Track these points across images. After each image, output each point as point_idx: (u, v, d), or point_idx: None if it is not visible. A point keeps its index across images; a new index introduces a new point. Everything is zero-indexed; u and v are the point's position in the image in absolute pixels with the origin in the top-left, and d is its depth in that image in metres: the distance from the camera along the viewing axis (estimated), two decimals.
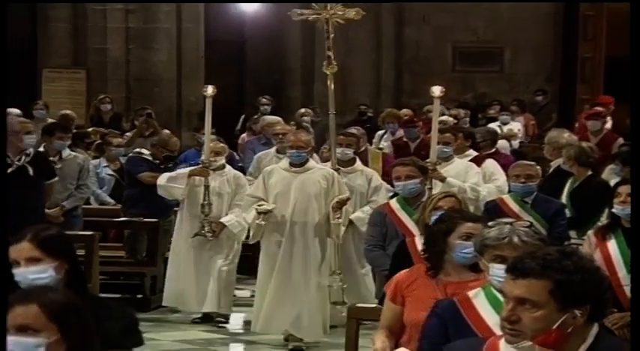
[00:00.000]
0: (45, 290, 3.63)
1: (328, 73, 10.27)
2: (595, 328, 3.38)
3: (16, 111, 15.20)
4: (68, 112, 15.38)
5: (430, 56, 23.19)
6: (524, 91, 21.99)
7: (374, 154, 11.90)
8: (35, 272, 4.44)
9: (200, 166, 10.30)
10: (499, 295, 4.43)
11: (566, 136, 11.87)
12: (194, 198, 10.31)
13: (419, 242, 6.82)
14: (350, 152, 10.38)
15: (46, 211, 10.43)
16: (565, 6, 22.28)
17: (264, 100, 17.66)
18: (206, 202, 10.12)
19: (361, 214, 9.88)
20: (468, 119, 17.86)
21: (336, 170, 9.90)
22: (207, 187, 10.14)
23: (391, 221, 8.12)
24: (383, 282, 7.29)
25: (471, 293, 4.59)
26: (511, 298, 3.31)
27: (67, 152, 11.41)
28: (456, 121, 16.66)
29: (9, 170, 9.83)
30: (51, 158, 10.99)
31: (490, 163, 11.04)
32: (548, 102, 21.35)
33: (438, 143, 9.92)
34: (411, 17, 23.20)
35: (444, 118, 16.54)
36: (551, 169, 11.21)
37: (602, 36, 21.80)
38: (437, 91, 9.93)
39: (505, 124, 18.66)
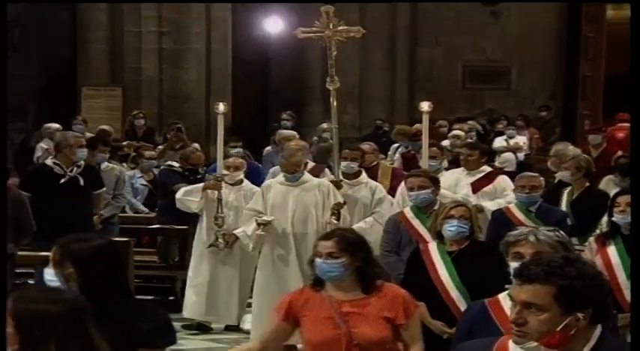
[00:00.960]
0: (31, 298, 3.49)
1: (331, 89, 9.97)
2: (598, 330, 3.39)
3: (57, 126, 15.31)
4: (106, 127, 15.45)
5: (441, 74, 23.22)
6: (530, 107, 21.99)
7: (384, 169, 11.59)
8: (51, 275, 4.49)
9: (212, 180, 10.15)
10: None
11: (571, 148, 11.87)
12: (211, 211, 10.13)
13: (432, 248, 6.85)
14: (355, 166, 10.03)
15: None
16: (568, 27, 22.28)
17: (286, 115, 17.71)
18: (219, 215, 9.91)
19: (364, 225, 9.57)
20: (473, 134, 17.75)
21: (337, 183, 9.69)
22: (219, 200, 9.93)
23: (405, 229, 8.11)
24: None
25: (501, 295, 4.60)
26: (518, 302, 3.33)
27: (105, 164, 11.48)
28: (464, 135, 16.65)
29: (62, 181, 9.93)
30: None
31: (503, 179, 10.82)
32: (551, 117, 21.36)
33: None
34: (423, 38, 23.24)
35: (457, 132, 16.56)
36: (556, 180, 11.21)
37: (602, 56, 21.80)
38: (425, 106, 9.74)
39: (511, 137, 18.72)
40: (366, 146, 11.46)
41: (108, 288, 4.46)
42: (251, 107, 21.10)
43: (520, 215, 8.68)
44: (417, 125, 17.94)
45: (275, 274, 9.44)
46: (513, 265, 4.60)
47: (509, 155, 18.41)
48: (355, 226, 9.30)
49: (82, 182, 9.99)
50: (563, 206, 9.97)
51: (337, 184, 9.66)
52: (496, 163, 18.28)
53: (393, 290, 5.51)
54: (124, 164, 13.18)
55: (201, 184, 10.38)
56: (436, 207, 7.75)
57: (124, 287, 4.60)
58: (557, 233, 4.74)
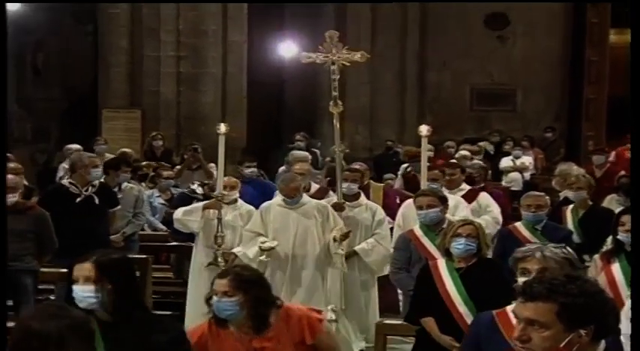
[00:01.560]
0: (35, 315, 3.43)
1: (335, 112, 9.57)
2: (602, 345, 3.39)
3: (78, 146, 15.33)
4: (127, 150, 15.46)
5: (450, 97, 23.26)
6: (535, 128, 21.98)
7: (375, 188, 11.44)
8: (87, 291, 4.47)
9: (213, 199, 9.75)
10: None
11: (574, 168, 11.82)
12: (209, 230, 9.75)
13: (441, 265, 6.82)
14: (355, 187, 9.87)
15: (111, 237, 10.52)
16: (572, 51, 22.29)
17: (299, 136, 17.72)
18: (219, 234, 9.57)
19: (365, 246, 9.52)
20: (480, 156, 17.69)
21: (340, 205, 9.51)
22: (219, 219, 9.55)
23: (415, 246, 8.09)
24: (408, 302, 7.28)
25: (509, 308, 4.58)
26: (522, 319, 3.32)
27: (124, 184, 11.49)
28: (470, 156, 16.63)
29: (77, 200, 9.94)
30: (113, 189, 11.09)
31: (484, 196, 10.98)
32: (556, 138, 21.35)
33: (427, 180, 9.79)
34: (432, 62, 23.29)
35: (463, 153, 16.53)
36: (561, 198, 11.18)
37: (605, 79, 21.81)
38: (424, 130, 9.61)
39: (518, 158, 18.72)
40: (357, 166, 11.40)
41: (131, 301, 4.54)
42: (265, 128, 21.12)
43: (526, 233, 8.65)
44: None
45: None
46: (521, 280, 4.60)
47: (515, 175, 18.40)
48: (357, 248, 9.45)
49: (97, 201, 9.99)
50: (569, 224, 9.95)
51: (340, 206, 9.49)
52: (503, 183, 18.29)
53: (295, 313, 5.34)
54: (143, 184, 13.18)
55: (200, 204, 10.01)
56: (444, 225, 7.72)
57: (141, 301, 4.68)
58: (563, 250, 4.72)
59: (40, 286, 9.26)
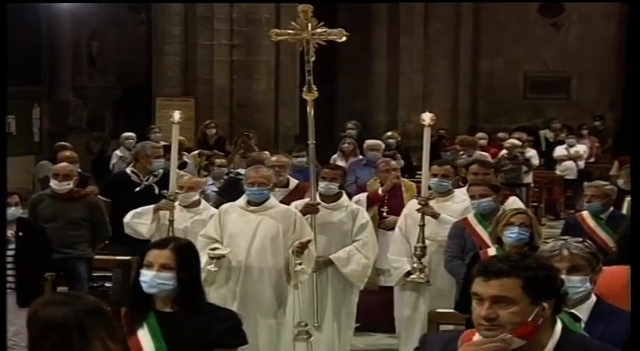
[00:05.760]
0: (48, 301, 3.40)
1: (308, 99, 8.25)
2: (559, 325, 3.45)
3: (132, 134, 15.44)
4: (180, 137, 15.51)
5: (503, 85, 23.16)
6: (590, 116, 21.80)
7: (408, 186, 10.27)
8: (163, 278, 4.48)
9: (164, 200, 8.23)
10: None
11: None
12: (160, 236, 8.08)
13: (492, 253, 6.78)
14: (335, 187, 8.52)
15: None
16: (627, 38, 22.05)
17: (351, 124, 17.68)
18: None
19: (342, 255, 8.36)
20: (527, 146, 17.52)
21: (313, 206, 8.25)
22: (171, 221, 8.09)
23: (469, 234, 8.06)
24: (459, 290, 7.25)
25: None
26: (487, 298, 3.34)
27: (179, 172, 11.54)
28: (521, 144, 16.50)
29: (137, 189, 10.01)
30: None
31: (514, 200, 10.03)
32: (605, 127, 21.18)
33: (436, 175, 8.56)
34: (486, 50, 23.18)
35: (512, 140, 16.41)
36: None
37: None
38: (427, 118, 8.25)
39: (571, 146, 18.55)
40: (382, 164, 10.64)
41: (197, 290, 4.59)
42: (318, 116, 21.10)
43: (591, 222, 8.66)
44: (480, 134, 17.90)
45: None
46: None
47: (569, 163, 18.25)
48: (332, 256, 8.37)
49: (156, 190, 10.06)
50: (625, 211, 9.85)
51: (314, 208, 8.22)
52: (557, 172, 18.16)
53: None
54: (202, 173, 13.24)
55: (151, 206, 8.45)
56: (499, 214, 7.68)
57: (203, 290, 4.69)
58: (585, 244, 4.67)
59: (94, 274, 9.34)
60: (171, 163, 8.34)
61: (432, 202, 8.24)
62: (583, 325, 4.50)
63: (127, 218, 8.48)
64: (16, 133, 18.24)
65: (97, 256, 9.16)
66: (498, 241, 6.87)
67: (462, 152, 15.01)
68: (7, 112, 17.54)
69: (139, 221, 8.40)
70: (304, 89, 8.33)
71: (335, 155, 15.00)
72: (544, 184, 17.24)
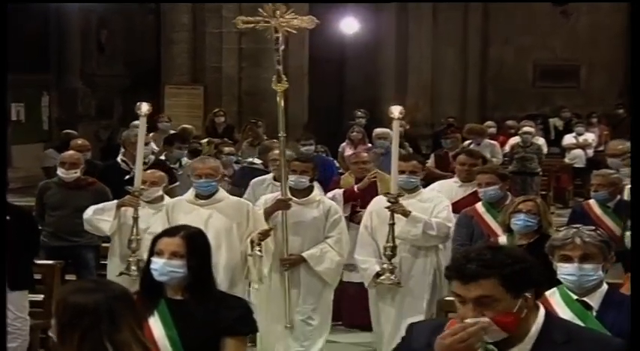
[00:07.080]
0: (76, 288, 3.42)
1: (278, 90, 8.02)
2: (542, 310, 3.45)
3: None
4: (187, 126, 15.52)
5: (512, 73, 23.10)
6: (599, 104, 21.73)
7: (383, 180, 9.43)
8: (174, 266, 4.48)
9: (128, 196, 7.88)
10: (571, 293, 4.63)
11: (628, 145, 11.60)
12: (123, 233, 8.01)
13: (502, 242, 6.79)
14: (306, 180, 8.11)
15: None
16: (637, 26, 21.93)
17: (359, 113, 17.64)
18: (134, 237, 7.67)
19: (315, 252, 8.00)
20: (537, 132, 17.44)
21: (284, 202, 7.94)
22: (135, 219, 7.72)
23: (477, 223, 8.03)
24: None
25: (548, 293, 4.54)
26: (470, 301, 3.33)
27: (185, 160, 11.53)
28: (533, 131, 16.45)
29: (127, 177, 9.95)
30: (172, 166, 11.12)
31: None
32: (627, 115, 21.11)
33: (404, 172, 7.96)
34: (495, 38, 23.12)
35: (527, 129, 16.32)
36: None
37: None
38: (396, 112, 7.66)
39: (580, 134, 18.50)
40: (364, 155, 10.33)
41: (207, 277, 4.59)
42: (327, 104, 21.08)
43: (598, 211, 8.62)
44: (489, 122, 17.86)
45: None
46: (564, 266, 4.64)
47: (578, 152, 18.20)
48: (306, 254, 8.01)
49: None
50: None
51: (285, 204, 7.92)
52: (566, 160, 18.11)
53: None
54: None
55: (114, 202, 8.17)
56: (507, 202, 7.66)
57: (214, 278, 4.68)
58: (598, 232, 4.68)
59: (102, 261, 9.32)
60: (137, 157, 7.85)
61: (401, 200, 7.68)
62: (595, 314, 4.50)
63: (88, 214, 8.11)
64: (26, 121, 18.24)
65: (104, 244, 9.14)
66: (508, 229, 6.91)
67: (470, 141, 14.96)
68: (17, 101, 17.54)
69: (101, 218, 8.05)
70: (274, 79, 8.02)
71: (344, 143, 14.96)
72: (553, 172, 17.20)
